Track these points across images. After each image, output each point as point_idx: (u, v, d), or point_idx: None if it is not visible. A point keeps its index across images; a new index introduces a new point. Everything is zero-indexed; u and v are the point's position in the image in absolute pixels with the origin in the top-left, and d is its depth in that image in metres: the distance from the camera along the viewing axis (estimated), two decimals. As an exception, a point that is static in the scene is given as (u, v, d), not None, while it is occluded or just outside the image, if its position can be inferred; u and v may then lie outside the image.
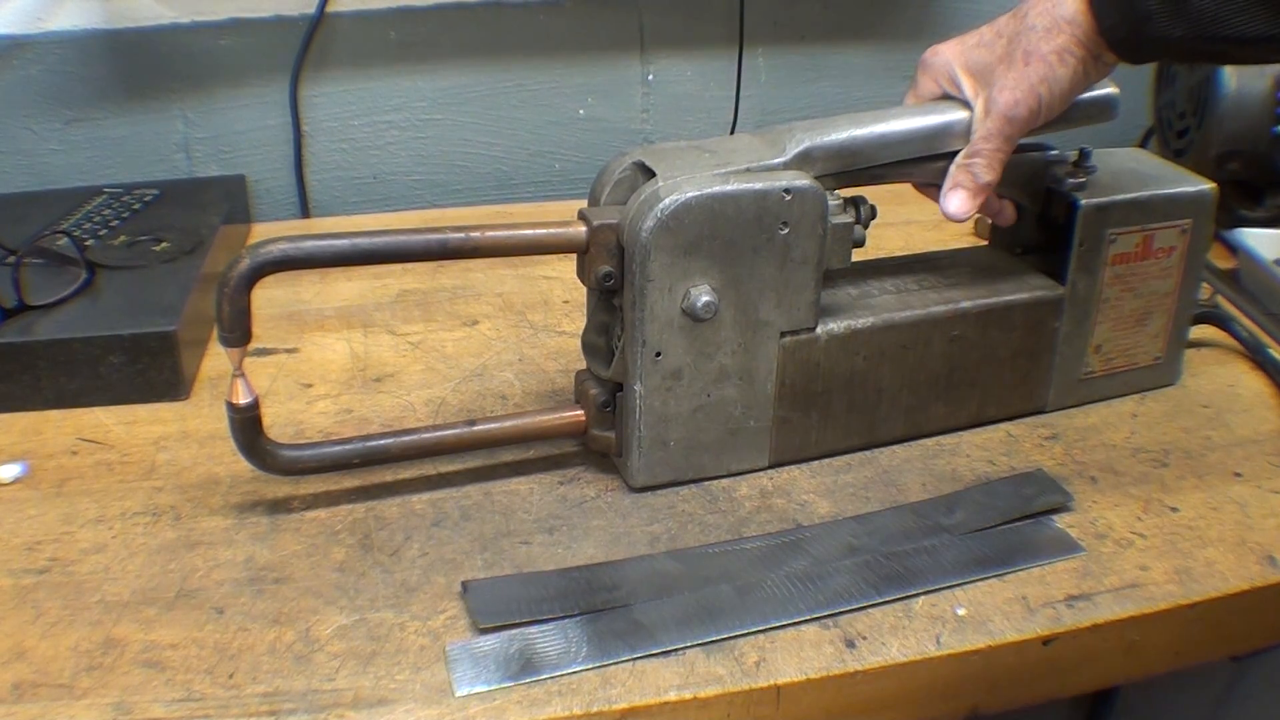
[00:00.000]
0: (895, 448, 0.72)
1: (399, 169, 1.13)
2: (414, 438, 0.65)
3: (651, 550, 0.62)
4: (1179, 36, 0.59)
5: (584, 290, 0.67)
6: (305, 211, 1.12)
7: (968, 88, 0.67)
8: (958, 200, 0.67)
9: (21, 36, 1.00)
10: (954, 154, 0.68)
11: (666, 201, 0.61)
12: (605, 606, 0.57)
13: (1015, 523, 0.65)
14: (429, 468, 0.69)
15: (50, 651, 0.54)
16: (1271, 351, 0.83)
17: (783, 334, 0.66)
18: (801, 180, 0.63)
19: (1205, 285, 0.85)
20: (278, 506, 0.65)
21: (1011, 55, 0.64)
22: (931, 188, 0.72)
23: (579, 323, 0.70)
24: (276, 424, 0.73)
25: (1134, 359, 0.78)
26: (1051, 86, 0.63)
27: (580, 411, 0.68)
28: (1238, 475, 0.70)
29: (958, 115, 0.68)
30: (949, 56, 0.68)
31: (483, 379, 0.80)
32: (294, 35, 1.05)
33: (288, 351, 0.84)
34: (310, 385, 0.79)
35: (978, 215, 1.05)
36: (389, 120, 1.11)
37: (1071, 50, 0.62)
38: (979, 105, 0.67)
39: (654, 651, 0.55)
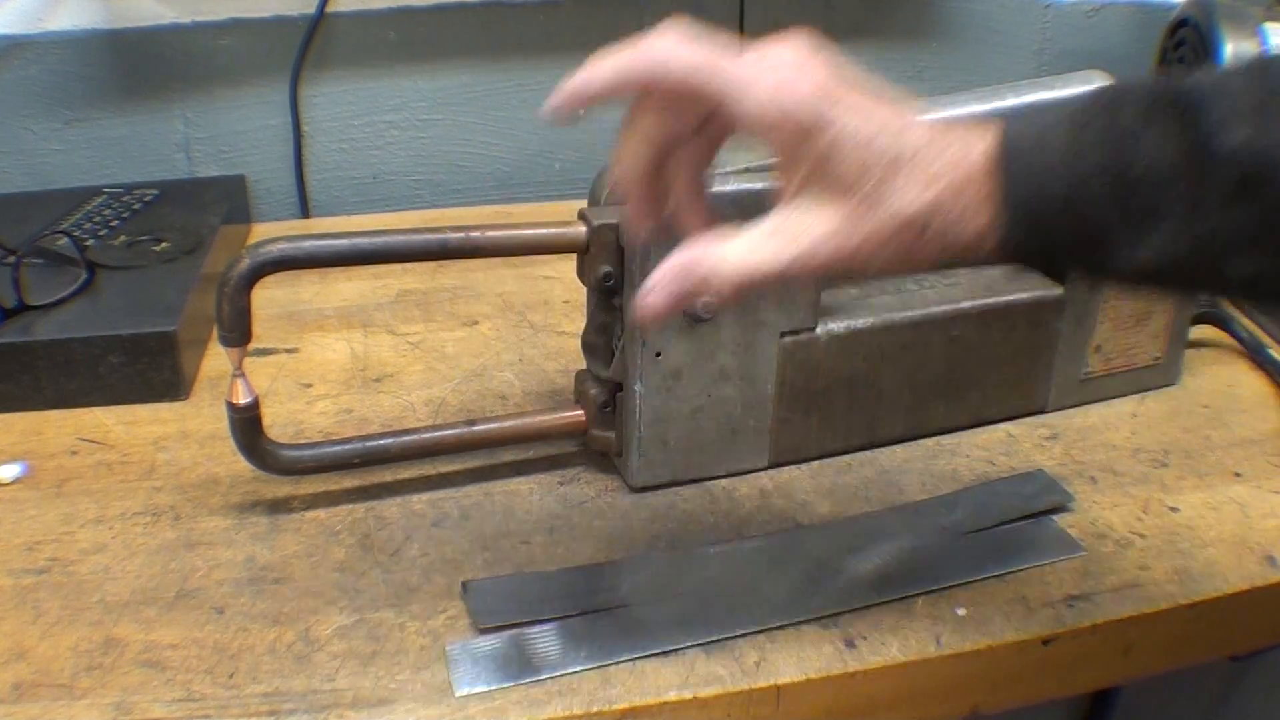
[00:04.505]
0: (895, 448, 0.72)
1: (399, 169, 1.13)
2: (414, 438, 0.65)
3: (651, 550, 0.62)
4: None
5: (584, 290, 0.67)
6: (305, 211, 1.12)
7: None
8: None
9: (21, 36, 1.00)
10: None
11: (666, 201, 0.61)
12: (605, 606, 0.57)
13: (1015, 523, 0.65)
14: (429, 468, 0.69)
15: (50, 651, 0.54)
16: (1271, 351, 0.83)
17: (783, 334, 0.66)
18: (801, 180, 0.63)
19: (1205, 285, 0.85)
20: (278, 506, 0.65)
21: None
22: None
23: (579, 323, 0.69)
24: (276, 424, 0.73)
25: (1134, 359, 0.78)
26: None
27: (580, 411, 0.68)
28: (1238, 475, 0.70)
29: (957, 115, 0.68)
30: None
31: (483, 379, 0.80)
32: (294, 35, 1.05)
33: (288, 351, 0.84)
34: (310, 385, 0.79)
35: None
36: (389, 120, 1.11)
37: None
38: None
39: (654, 651, 0.55)
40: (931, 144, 0.42)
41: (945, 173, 0.41)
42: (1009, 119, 0.42)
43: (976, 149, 0.41)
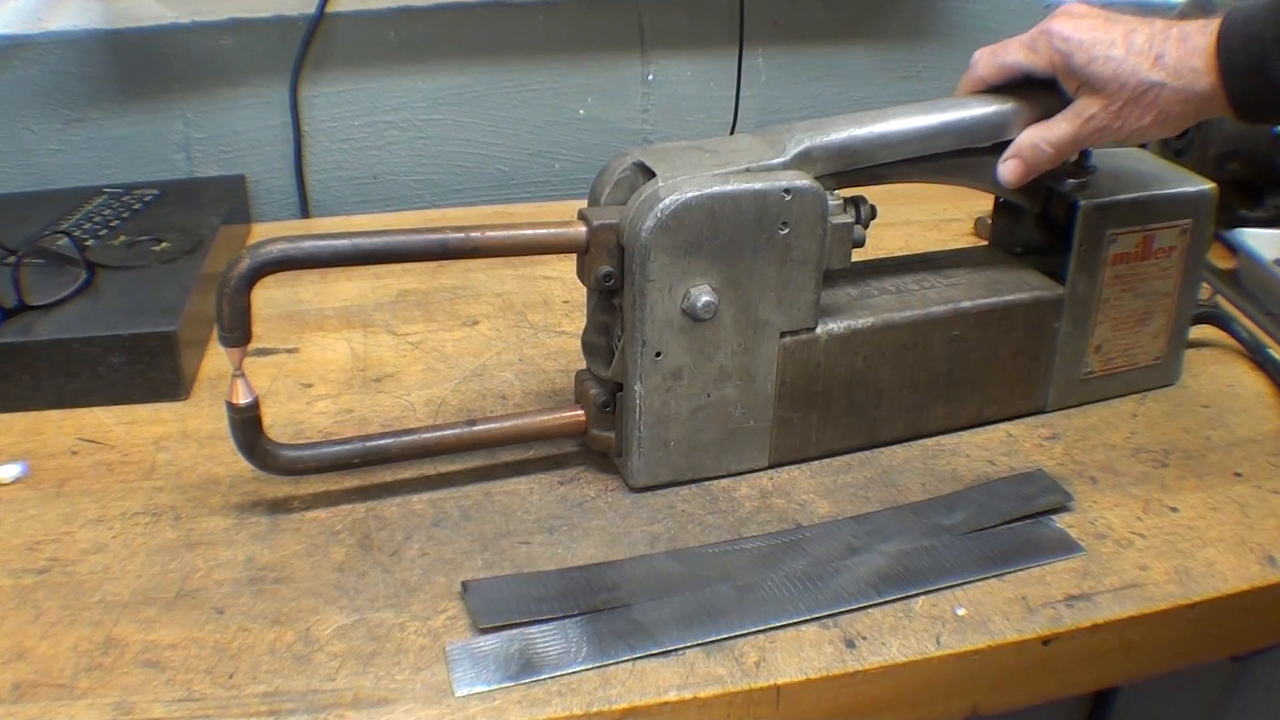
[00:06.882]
0: (895, 448, 0.72)
1: (399, 169, 1.13)
2: (414, 438, 0.65)
3: (651, 550, 0.62)
4: None
5: (584, 290, 0.67)
6: (305, 211, 1.12)
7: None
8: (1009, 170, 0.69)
9: (21, 36, 1.00)
10: (953, 154, 0.69)
11: (666, 201, 0.61)
12: (605, 606, 0.57)
13: (1015, 523, 0.65)
14: (429, 468, 0.69)
15: (50, 651, 0.54)
16: (1271, 351, 0.83)
17: (783, 334, 0.66)
18: (801, 180, 0.63)
19: (1205, 285, 0.85)
20: (278, 506, 0.65)
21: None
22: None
23: (579, 323, 0.69)
24: (276, 424, 0.73)
25: (1134, 359, 0.78)
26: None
27: (580, 411, 0.68)
28: (1238, 475, 0.70)
29: (957, 115, 0.68)
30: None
31: (483, 379, 0.80)
32: (294, 35, 1.05)
33: (288, 351, 0.84)
34: (310, 385, 0.79)
35: (978, 215, 1.06)
36: (389, 120, 1.11)
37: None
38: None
39: (654, 651, 0.55)
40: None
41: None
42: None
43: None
